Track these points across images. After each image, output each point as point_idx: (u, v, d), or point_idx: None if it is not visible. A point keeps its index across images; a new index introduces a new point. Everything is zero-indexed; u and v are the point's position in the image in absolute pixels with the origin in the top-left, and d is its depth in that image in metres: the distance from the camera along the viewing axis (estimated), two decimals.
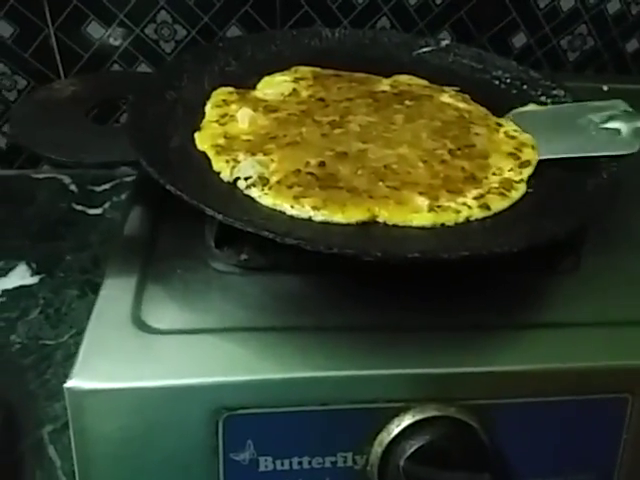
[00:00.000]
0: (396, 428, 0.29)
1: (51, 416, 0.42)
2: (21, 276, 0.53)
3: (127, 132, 0.36)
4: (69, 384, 0.28)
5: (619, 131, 0.40)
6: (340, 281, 0.35)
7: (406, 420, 0.30)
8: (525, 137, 0.42)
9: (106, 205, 0.62)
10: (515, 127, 0.43)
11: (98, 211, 0.61)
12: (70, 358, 0.30)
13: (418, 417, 0.30)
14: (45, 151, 0.34)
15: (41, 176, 0.65)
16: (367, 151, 0.38)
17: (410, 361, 0.30)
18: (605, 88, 0.58)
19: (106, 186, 0.64)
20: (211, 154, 0.37)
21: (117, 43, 0.60)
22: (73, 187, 0.64)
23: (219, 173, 0.36)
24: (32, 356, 0.47)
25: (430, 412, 0.30)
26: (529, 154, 0.40)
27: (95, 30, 0.60)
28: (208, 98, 0.43)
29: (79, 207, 0.61)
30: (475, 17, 0.63)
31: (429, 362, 0.30)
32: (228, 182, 0.36)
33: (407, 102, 0.44)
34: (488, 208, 0.35)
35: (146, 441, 0.29)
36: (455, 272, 0.34)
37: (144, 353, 0.30)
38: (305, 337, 0.31)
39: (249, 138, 0.39)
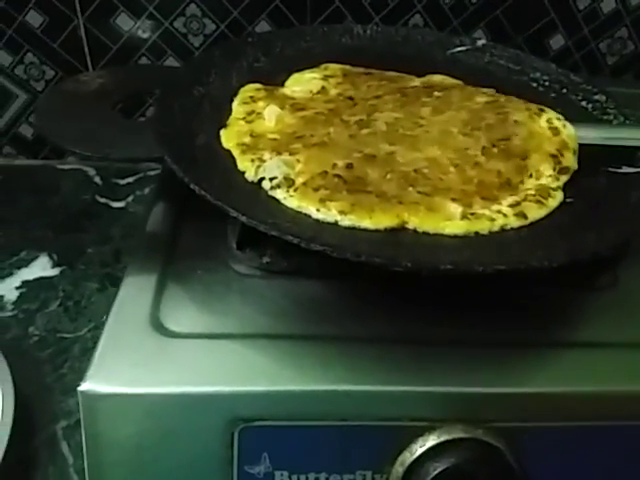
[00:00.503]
0: (420, 448, 0.28)
1: (65, 411, 0.42)
2: (42, 267, 0.53)
3: (153, 128, 0.35)
4: (83, 387, 0.27)
5: None
6: (365, 288, 0.34)
7: (431, 440, 0.28)
8: (568, 131, 0.39)
9: (129, 199, 0.61)
10: (558, 115, 0.41)
11: (121, 204, 0.61)
12: (87, 352, 0.30)
13: (443, 438, 0.28)
14: (70, 145, 0.34)
15: (66, 167, 0.65)
16: (395, 154, 0.36)
17: (437, 378, 0.29)
18: None
19: (130, 179, 0.63)
20: (236, 153, 0.36)
21: (146, 36, 0.60)
22: (97, 179, 0.64)
23: (244, 173, 0.35)
24: (49, 349, 0.47)
25: (456, 433, 0.28)
26: (569, 159, 0.38)
27: (124, 22, 0.59)
28: (236, 94, 0.42)
29: (102, 200, 0.61)
30: (511, 16, 0.61)
31: (457, 380, 0.29)
32: (253, 182, 0.35)
33: (436, 93, 0.42)
34: (525, 217, 0.34)
35: (159, 449, 0.28)
36: (488, 285, 0.32)
37: (161, 357, 0.29)
38: (326, 347, 0.30)
39: (275, 137, 0.37)
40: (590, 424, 0.30)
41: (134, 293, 0.32)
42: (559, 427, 0.29)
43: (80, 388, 0.27)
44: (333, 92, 0.43)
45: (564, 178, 0.37)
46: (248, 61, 0.46)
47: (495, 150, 0.37)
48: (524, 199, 0.35)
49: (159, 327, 0.30)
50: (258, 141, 0.37)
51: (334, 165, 0.35)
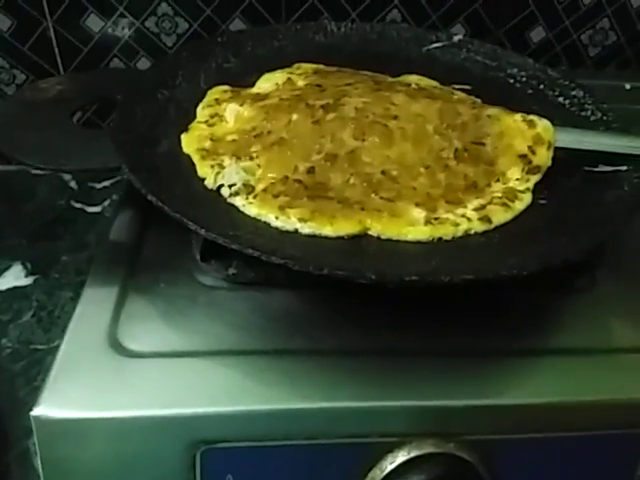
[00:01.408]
0: (389, 465, 0.27)
1: None
2: (15, 276, 0.52)
3: (111, 135, 0.34)
4: (36, 412, 0.26)
5: None
6: (334, 298, 0.33)
7: (400, 456, 0.27)
8: (544, 124, 0.38)
9: (105, 203, 0.60)
10: None
11: (97, 209, 0.60)
12: None
13: (414, 453, 0.27)
14: (22, 156, 0.33)
15: (40, 172, 0.63)
16: (361, 152, 0.34)
17: (406, 392, 0.28)
18: (627, 86, 0.55)
19: (106, 183, 0.62)
20: (196, 158, 0.35)
21: (117, 36, 0.58)
22: (73, 184, 0.62)
23: (204, 179, 0.34)
24: (23, 361, 0.46)
25: (427, 448, 0.27)
26: (542, 157, 0.37)
27: (94, 23, 0.58)
28: (203, 97, 0.41)
29: (78, 205, 0.60)
30: (491, 10, 0.61)
31: (427, 394, 0.28)
32: (213, 189, 0.33)
33: (413, 85, 0.41)
34: (489, 221, 0.33)
35: (119, 474, 0.27)
36: (459, 292, 0.31)
37: (118, 379, 0.28)
38: (295, 362, 0.29)
39: (234, 138, 0.36)
40: (566, 435, 0.29)
41: (92, 310, 0.31)
42: (533, 439, 0.29)
43: (33, 413, 0.26)
44: (301, 83, 0.41)
45: (534, 178, 0.36)
46: (217, 62, 0.45)
47: (466, 155, 0.36)
48: (490, 202, 0.34)
49: (117, 346, 0.29)
50: (218, 145, 0.36)
51: (295, 168, 0.34)
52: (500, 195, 0.34)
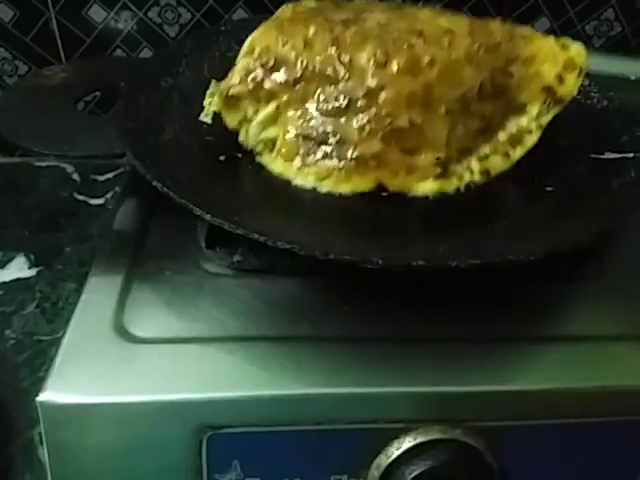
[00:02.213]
0: (396, 451, 0.27)
1: None
2: (19, 268, 0.52)
3: (115, 122, 0.34)
4: (42, 397, 0.26)
5: None
6: (340, 285, 0.33)
7: (407, 442, 0.27)
8: (577, 48, 0.36)
9: (108, 195, 0.60)
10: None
11: (100, 201, 0.60)
12: None
13: (420, 439, 0.27)
14: (26, 143, 0.32)
15: (43, 164, 0.63)
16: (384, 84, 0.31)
17: (414, 378, 0.28)
18: (633, 77, 0.55)
19: (109, 175, 0.62)
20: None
21: (119, 27, 0.58)
22: (75, 176, 0.62)
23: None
24: (26, 352, 0.46)
25: (434, 434, 0.27)
26: (569, 85, 0.35)
27: (97, 13, 0.58)
28: (208, 86, 0.41)
29: (81, 197, 0.60)
30: (495, 1, 0.60)
31: (433, 380, 0.28)
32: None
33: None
34: (488, 174, 0.33)
35: (125, 459, 0.27)
36: (466, 278, 0.31)
37: (124, 364, 0.28)
38: (300, 348, 0.29)
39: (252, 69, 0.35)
40: (572, 421, 0.29)
41: (97, 297, 0.31)
42: (540, 425, 0.28)
43: (39, 398, 0.26)
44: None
45: (553, 112, 0.35)
46: (221, 50, 0.45)
47: (490, 89, 0.33)
48: (494, 151, 0.33)
49: (122, 332, 0.29)
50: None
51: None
52: (506, 140, 0.33)
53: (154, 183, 0.30)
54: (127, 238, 0.35)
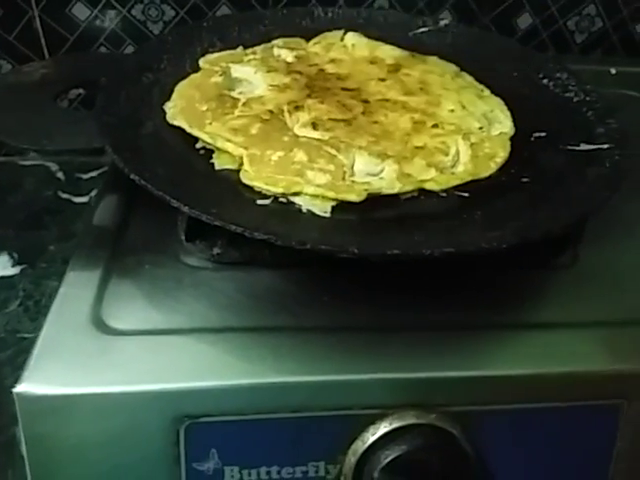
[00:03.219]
0: (371, 436, 0.28)
1: None
2: (2, 266, 0.52)
3: (95, 117, 0.34)
4: (19, 389, 0.26)
5: None
6: (319, 276, 0.33)
7: (382, 428, 0.28)
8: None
9: (92, 193, 0.60)
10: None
11: (84, 199, 0.59)
12: None
13: (395, 425, 0.28)
14: (4, 137, 0.32)
15: (28, 163, 0.63)
16: None
17: (388, 365, 0.28)
18: (613, 71, 0.55)
19: (93, 174, 0.62)
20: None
21: (103, 25, 0.58)
22: (60, 174, 0.62)
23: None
24: (9, 350, 0.45)
25: (408, 419, 0.28)
26: None
27: (80, 11, 0.58)
28: None
29: (65, 195, 0.60)
30: None
31: (408, 366, 0.28)
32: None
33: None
34: None
35: (103, 450, 0.27)
36: (441, 266, 0.31)
37: (101, 356, 0.28)
38: (279, 338, 0.29)
39: None
40: (547, 406, 0.29)
41: (75, 291, 0.31)
42: (514, 410, 0.29)
43: (16, 390, 0.26)
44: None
45: None
46: (203, 46, 0.45)
47: None
48: None
49: (100, 325, 0.29)
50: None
51: None
52: None
53: (132, 176, 0.30)
54: (107, 233, 0.35)
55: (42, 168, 0.62)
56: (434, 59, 0.45)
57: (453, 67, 0.44)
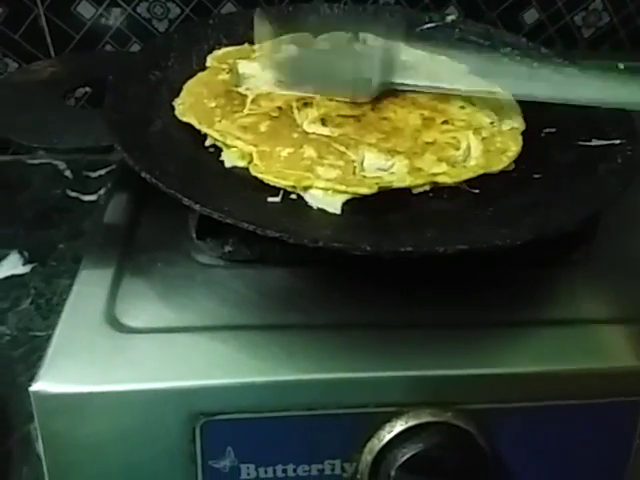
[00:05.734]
0: (387, 434, 0.27)
1: None
2: (13, 265, 0.52)
3: (104, 115, 0.34)
4: (35, 387, 0.26)
5: None
6: (331, 274, 0.33)
7: (398, 426, 0.27)
8: None
9: (101, 192, 0.60)
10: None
11: (93, 198, 0.60)
12: None
13: (411, 423, 0.27)
14: (14, 135, 0.32)
15: (36, 162, 0.63)
16: None
17: (404, 362, 0.28)
18: (621, 66, 0.55)
19: (101, 172, 0.62)
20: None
21: (108, 23, 0.58)
22: (68, 173, 0.62)
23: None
24: (22, 348, 0.46)
25: (425, 417, 0.28)
26: None
27: (86, 10, 0.58)
28: None
29: (73, 194, 0.60)
30: None
31: (424, 364, 0.28)
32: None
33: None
34: None
35: (119, 448, 0.27)
36: (453, 263, 0.31)
37: (116, 354, 0.28)
38: (291, 336, 0.29)
39: None
40: (563, 403, 0.29)
41: (89, 289, 0.31)
42: (530, 408, 0.29)
43: (32, 388, 0.26)
44: None
45: None
46: (209, 44, 0.45)
47: None
48: None
49: (114, 323, 0.29)
50: None
51: None
52: None
53: (143, 174, 0.30)
54: (118, 231, 0.35)
55: (50, 166, 0.62)
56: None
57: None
